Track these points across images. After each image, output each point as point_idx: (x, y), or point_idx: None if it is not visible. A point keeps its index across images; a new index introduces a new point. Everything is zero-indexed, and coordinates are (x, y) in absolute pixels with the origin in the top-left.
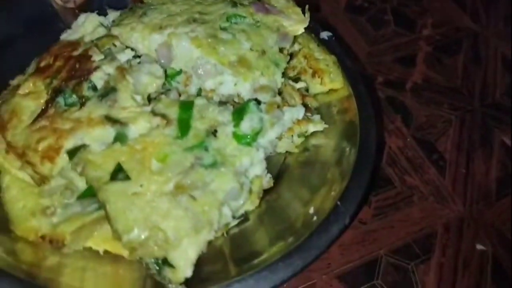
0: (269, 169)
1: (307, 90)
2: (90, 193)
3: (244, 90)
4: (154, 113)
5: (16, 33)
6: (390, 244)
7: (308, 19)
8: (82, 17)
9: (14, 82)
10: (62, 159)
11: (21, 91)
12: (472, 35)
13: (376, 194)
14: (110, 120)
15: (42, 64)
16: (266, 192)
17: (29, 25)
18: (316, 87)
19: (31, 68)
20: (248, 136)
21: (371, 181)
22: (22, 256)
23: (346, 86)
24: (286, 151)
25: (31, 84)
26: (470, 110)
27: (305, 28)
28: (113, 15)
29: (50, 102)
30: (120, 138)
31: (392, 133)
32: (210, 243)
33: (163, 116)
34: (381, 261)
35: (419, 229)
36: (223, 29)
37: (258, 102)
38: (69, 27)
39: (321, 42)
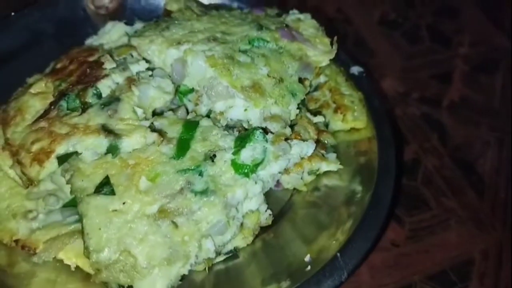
0: (271, 205)
1: (327, 125)
2: (74, 203)
3: (254, 116)
4: (152, 128)
5: (46, 32)
6: (425, 269)
7: (335, 51)
8: (110, 24)
9: (30, 81)
10: (51, 164)
11: (32, 90)
12: (510, 55)
13: (411, 215)
14: (106, 130)
15: (59, 65)
16: (263, 229)
17: (60, 26)
18: (337, 123)
19: (48, 69)
20: (247, 167)
21: (377, 237)
22: None
23: (369, 127)
24: (294, 188)
25: (43, 84)
26: (509, 132)
27: (335, 61)
28: (138, 26)
29: (54, 104)
30: (112, 150)
31: (428, 152)
32: (188, 277)
33: (161, 133)
34: (415, 287)
35: (456, 255)
36: (243, 51)
37: (266, 132)
38: (96, 33)
39: (350, 77)
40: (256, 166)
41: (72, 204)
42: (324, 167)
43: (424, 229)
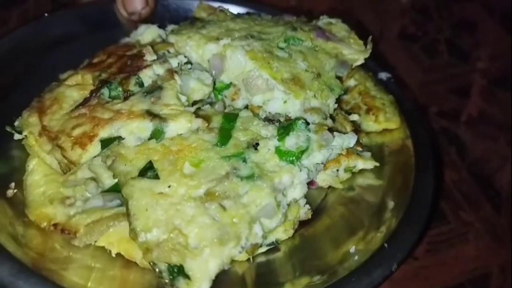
0: (308, 202)
1: (359, 126)
2: (114, 189)
3: (294, 108)
4: (197, 114)
5: (78, 34)
6: (443, 282)
7: (370, 50)
8: (143, 27)
9: (63, 76)
10: (94, 147)
11: (68, 82)
12: None
13: (430, 228)
14: (151, 114)
15: (95, 60)
16: (301, 225)
17: (91, 29)
18: (369, 124)
19: (82, 65)
20: (293, 153)
21: (423, 230)
22: (32, 242)
23: (402, 127)
24: (329, 187)
25: (79, 77)
26: None
27: (363, 66)
28: (171, 27)
29: (95, 92)
30: (156, 134)
31: (447, 166)
32: (232, 266)
33: (206, 118)
34: None
35: (474, 268)
36: (280, 48)
37: (307, 123)
38: (127, 36)
39: (379, 83)
40: (301, 153)
41: (112, 191)
42: (361, 164)
43: (442, 242)
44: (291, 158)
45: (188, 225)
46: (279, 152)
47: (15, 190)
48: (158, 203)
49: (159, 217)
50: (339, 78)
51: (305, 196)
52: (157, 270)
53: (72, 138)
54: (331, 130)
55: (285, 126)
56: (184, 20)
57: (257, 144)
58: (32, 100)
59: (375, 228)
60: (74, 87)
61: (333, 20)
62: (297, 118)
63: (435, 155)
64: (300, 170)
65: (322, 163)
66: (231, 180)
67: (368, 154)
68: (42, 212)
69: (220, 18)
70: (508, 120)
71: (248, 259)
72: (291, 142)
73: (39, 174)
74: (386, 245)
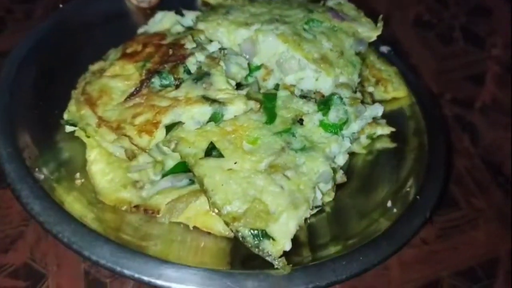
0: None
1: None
2: (178, 170)
3: (326, 85)
4: (249, 97)
5: (94, 23)
6: (453, 266)
7: (381, 28)
8: (160, 14)
9: (94, 67)
10: (160, 133)
11: (108, 73)
12: None
13: (441, 214)
14: (208, 99)
15: (129, 50)
16: (337, 188)
17: (106, 18)
18: (380, 94)
19: (113, 55)
20: (336, 125)
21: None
22: (114, 225)
23: (409, 94)
24: (352, 153)
25: (117, 68)
26: None
27: None
28: (191, 14)
29: (145, 81)
30: (215, 117)
31: (459, 153)
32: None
33: (258, 99)
34: (443, 283)
35: (483, 253)
36: (305, 30)
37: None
38: (139, 24)
39: (381, 55)
40: (342, 124)
41: (175, 171)
42: (379, 131)
43: (453, 227)
44: (335, 130)
45: (262, 194)
46: (323, 125)
47: (82, 180)
48: (231, 177)
49: (235, 190)
50: (357, 54)
51: None
52: (240, 237)
53: (136, 126)
54: (362, 102)
55: (324, 101)
56: (192, 5)
57: (302, 120)
58: (67, 92)
59: (403, 184)
60: (117, 78)
61: (341, 0)
62: (333, 94)
63: (442, 119)
64: (343, 139)
65: (357, 132)
66: (288, 153)
67: (384, 121)
68: (119, 196)
69: (239, 2)
70: None
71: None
72: (333, 115)
73: (103, 162)
74: (418, 197)
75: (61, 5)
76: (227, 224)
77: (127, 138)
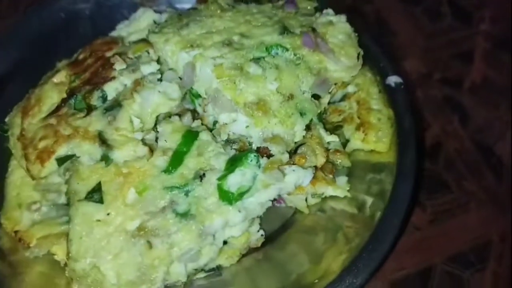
0: (272, 220)
1: (346, 141)
2: None
3: (254, 135)
4: (144, 142)
5: (82, 14)
6: (445, 252)
7: (359, 67)
8: (140, 11)
9: (59, 65)
10: (51, 164)
11: (55, 79)
12: None
13: (433, 199)
14: (101, 139)
15: (80, 56)
16: (253, 250)
17: (95, 8)
18: (357, 143)
19: (75, 55)
20: (231, 194)
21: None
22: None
23: (391, 151)
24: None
25: (64, 75)
26: None
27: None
28: (165, 16)
29: (65, 101)
30: (104, 159)
31: (450, 135)
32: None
33: (151, 147)
34: (436, 269)
35: (475, 237)
36: (256, 59)
37: (267, 154)
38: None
39: (385, 89)
40: (241, 195)
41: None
42: (330, 191)
43: (444, 212)
44: (228, 199)
45: (112, 260)
46: (219, 190)
47: None
48: (93, 231)
49: (90, 247)
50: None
51: (272, 213)
52: None
53: (37, 151)
54: (286, 164)
55: (235, 158)
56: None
57: (204, 175)
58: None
59: (333, 269)
60: (57, 87)
61: (334, 19)
62: (250, 152)
63: (414, 194)
64: (240, 211)
65: (269, 201)
66: (166, 216)
67: (344, 179)
68: (11, 215)
69: (209, 11)
70: (509, 84)
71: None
72: (234, 180)
73: (18, 175)
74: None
75: None
76: None
77: (26, 160)
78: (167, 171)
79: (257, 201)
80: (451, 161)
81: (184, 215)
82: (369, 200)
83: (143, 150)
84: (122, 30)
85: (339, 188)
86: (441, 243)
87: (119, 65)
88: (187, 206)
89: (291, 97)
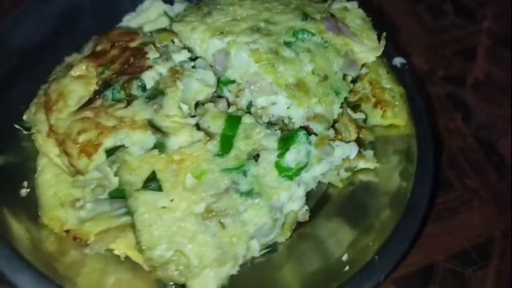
0: (307, 198)
1: (365, 120)
2: (121, 194)
3: (297, 115)
4: (198, 127)
5: (83, 7)
6: (448, 249)
7: (382, 48)
8: (148, 2)
9: (69, 60)
10: (99, 156)
11: (73, 73)
12: None
13: (436, 197)
14: (153, 127)
15: (99, 48)
16: (300, 223)
17: (97, 1)
18: (376, 119)
19: (87, 49)
20: (291, 170)
21: (414, 240)
22: (45, 245)
23: (409, 124)
24: (329, 182)
25: (84, 67)
26: None
27: None
28: (178, 6)
29: (98, 93)
30: (159, 146)
31: (453, 133)
32: None
33: (207, 131)
34: (439, 267)
35: (478, 235)
36: (287, 44)
37: (309, 132)
38: (133, 9)
39: (392, 70)
40: (300, 169)
41: (119, 195)
42: (361, 164)
43: (448, 210)
44: (289, 174)
45: (190, 243)
46: (278, 167)
47: (28, 189)
48: (161, 218)
49: (163, 234)
50: (345, 77)
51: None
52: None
53: (78, 145)
54: (331, 140)
55: (286, 137)
56: None
57: (258, 155)
58: (38, 86)
59: (369, 235)
60: (79, 80)
61: (348, 5)
62: (299, 130)
63: (437, 158)
64: (299, 186)
65: (321, 175)
66: (231, 196)
67: (371, 153)
68: (54, 215)
69: (228, 0)
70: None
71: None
72: (291, 157)
73: (50, 173)
74: (376, 257)
75: None
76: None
77: (67, 156)
78: (220, 154)
79: (312, 176)
80: (454, 158)
81: (249, 194)
82: (396, 169)
83: (199, 135)
84: (130, 21)
85: (369, 160)
86: (443, 241)
87: (152, 54)
88: (249, 185)
89: (325, 77)
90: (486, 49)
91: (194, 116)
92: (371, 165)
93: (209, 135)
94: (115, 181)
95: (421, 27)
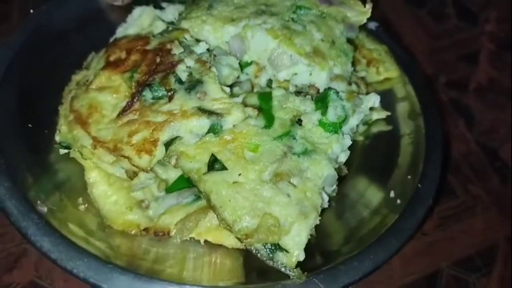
0: None
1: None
2: (181, 185)
3: (320, 79)
4: (245, 104)
5: (68, 28)
6: (452, 256)
7: (370, 10)
8: (138, 10)
9: (78, 78)
10: (160, 151)
11: (93, 86)
12: None
13: (439, 204)
14: (205, 111)
15: (112, 58)
16: (340, 180)
17: (79, 21)
18: (372, 76)
19: (95, 63)
20: (335, 124)
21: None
22: (125, 250)
23: (401, 74)
24: None
25: (103, 79)
26: None
27: None
28: (171, 8)
29: (136, 95)
30: (214, 129)
31: (456, 139)
32: None
33: (255, 106)
34: (443, 274)
35: (481, 241)
36: (294, 20)
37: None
38: (117, 23)
39: (369, 33)
40: (342, 122)
41: (178, 187)
42: (375, 116)
43: (451, 216)
44: (335, 128)
45: (271, 206)
46: (323, 124)
47: (86, 205)
48: (237, 191)
49: (244, 204)
50: (348, 41)
51: None
52: (253, 250)
53: (134, 145)
54: (357, 93)
55: (320, 98)
56: None
57: (300, 120)
58: (53, 108)
59: (405, 171)
60: (105, 91)
61: None
62: (329, 89)
63: (435, 99)
64: (344, 136)
65: (356, 126)
66: (290, 159)
67: (379, 104)
68: (126, 220)
69: None
70: None
71: None
72: (331, 113)
73: (104, 184)
74: (420, 185)
75: (31, 11)
76: (239, 239)
77: (126, 159)
78: (266, 126)
79: (350, 127)
80: (457, 165)
81: (305, 153)
82: (404, 114)
83: (249, 110)
84: (125, 32)
85: (380, 111)
86: (447, 248)
87: (177, 49)
88: (302, 146)
89: (333, 42)
90: (489, 53)
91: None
92: (383, 114)
93: (258, 109)
94: (168, 177)
95: (424, 31)
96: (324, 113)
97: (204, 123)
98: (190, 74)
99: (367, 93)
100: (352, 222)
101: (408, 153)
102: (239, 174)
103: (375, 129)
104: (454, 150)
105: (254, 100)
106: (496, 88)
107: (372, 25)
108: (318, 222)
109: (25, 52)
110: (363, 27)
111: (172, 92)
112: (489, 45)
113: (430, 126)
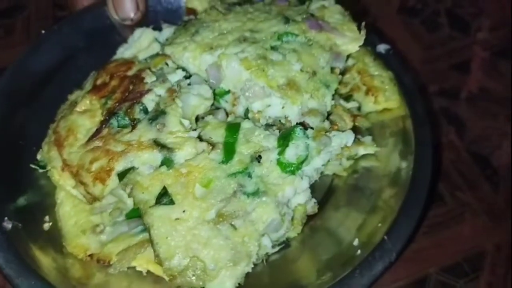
0: (314, 192)
1: (359, 108)
2: (137, 214)
3: (292, 113)
4: (200, 138)
5: (78, 46)
6: (439, 262)
7: (364, 37)
8: (138, 32)
9: (72, 97)
10: (113, 181)
11: (78, 108)
12: None
13: (427, 211)
14: (158, 145)
15: (99, 81)
16: (310, 216)
17: (90, 38)
18: (369, 105)
19: (88, 84)
20: (293, 165)
21: (421, 216)
22: (72, 272)
23: (402, 105)
24: (334, 173)
25: (87, 102)
26: None
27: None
28: (167, 31)
29: (105, 123)
30: (166, 162)
31: (445, 147)
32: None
33: (209, 141)
34: (430, 279)
35: (469, 248)
36: (274, 48)
37: (305, 127)
38: (126, 41)
39: (378, 56)
40: (301, 163)
41: (135, 215)
42: (362, 151)
43: (439, 224)
44: (291, 169)
45: (205, 249)
46: (280, 164)
47: (51, 223)
48: (176, 229)
49: (179, 243)
50: (333, 70)
51: (312, 185)
52: None
53: (92, 173)
54: (328, 131)
55: (284, 135)
56: (177, 13)
57: (260, 156)
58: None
59: (377, 219)
60: (85, 114)
61: (326, 3)
62: (295, 126)
63: (434, 135)
64: (302, 179)
65: (322, 166)
66: (239, 199)
67: (369, 138)
68: (77, 243)
69: (212, 16)
70: (509, 94)
71: (262, 260)
72: (291, 153)
73: (69, 205)
74: (386, 237)
75: (43, 31)
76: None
77: (83, 185)
78: (224, 161)
79: (313, 167)
80: (446, 172)
81: (256, 194)
82: (396, 151)
83: (202, 145)
84: (124, 53)
85: (369, 146)
86: (435, 254)
87: (149, 78)
88: (255, 185)
89: (314, 73)
90: (481, 61)
91: (195, 129)
92: (371, 150)
93: (212, 144)
94: (130, 203)
95: (417, 40)
96: (282, 152)
97: (156, 156)
98: (158, 103)
99: (355, 126)
100: (307, 266)
101: (387, 196)
102: (184, 211)
103: (363, 164)
104: (444, 158)
105: (220, 132)
106: (488, 97)
107: (382, 48)
108: (249, 270)
109: (28, 72)
110: (372, 50)
111: (135, 121)
112: (482, 53)
113: (419, 169)
